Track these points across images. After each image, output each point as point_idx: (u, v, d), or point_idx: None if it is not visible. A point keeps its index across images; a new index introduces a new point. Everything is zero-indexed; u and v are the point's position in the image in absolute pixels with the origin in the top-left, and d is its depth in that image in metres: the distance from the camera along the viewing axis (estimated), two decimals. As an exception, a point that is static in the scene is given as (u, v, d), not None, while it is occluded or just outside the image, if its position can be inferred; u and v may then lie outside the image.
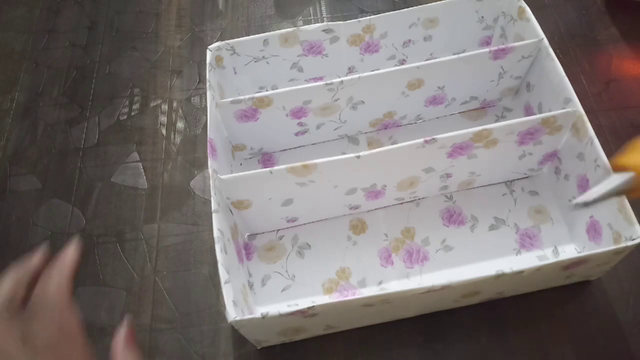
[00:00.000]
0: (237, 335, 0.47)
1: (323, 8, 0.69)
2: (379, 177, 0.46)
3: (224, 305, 0.38)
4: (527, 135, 0.45)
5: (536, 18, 0.50)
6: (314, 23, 0.61)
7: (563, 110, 0.44)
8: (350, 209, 0.50)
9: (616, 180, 0.29)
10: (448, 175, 0.48)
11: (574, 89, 0.45)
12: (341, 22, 0.53)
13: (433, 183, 0.49)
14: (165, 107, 0.62)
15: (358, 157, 0.42)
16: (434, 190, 0.51)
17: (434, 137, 0.42)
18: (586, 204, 0.29)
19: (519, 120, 0.44)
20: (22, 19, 0.71)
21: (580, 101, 0.45)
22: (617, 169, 0.29)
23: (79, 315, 0.26)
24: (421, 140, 0.42)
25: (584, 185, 0.45)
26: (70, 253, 0.27)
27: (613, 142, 0.53)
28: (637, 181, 0.28)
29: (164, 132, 0.60)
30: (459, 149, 0.44)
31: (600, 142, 0.42)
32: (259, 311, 0.38)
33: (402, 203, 0.52)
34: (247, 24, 0.68)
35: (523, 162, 0.49)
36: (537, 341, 0.45)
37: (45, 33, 0.70)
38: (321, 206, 0.49)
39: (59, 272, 0.26)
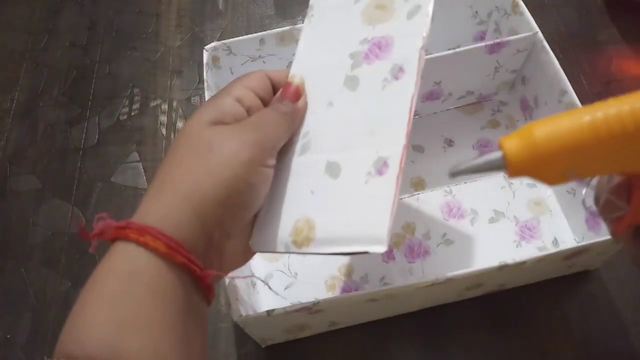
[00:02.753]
0: (238, 335, 0.47)
1: (323, 8, 0.69)
2: None
3: (224, 305, 0.38)
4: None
5: (536, 17, 0.50)
6: (314, 23, 0.61)
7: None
8: None
9: (488, 156, 0.27)
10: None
11: (574, 89, 0.45)
12: None
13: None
14: (165, 107, 0.62)
15: None
16: None
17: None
18: (453, 175, 0.28)
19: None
20: (22, 19, 0.71)
21: (580, 101, 0.45)
22: (499, 146, 0.28)
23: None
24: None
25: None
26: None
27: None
28: (508, 162, 0.26)
29: (164, 132, 0.60)
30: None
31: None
32: (263, 309, 0.38)
33: (402, 199, 0.52)
34: (247, 24, 0.68)
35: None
36: (538, 340, 0.45)
37: (45, 33, 0.70)
38: None
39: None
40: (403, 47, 0.33)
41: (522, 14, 0.51)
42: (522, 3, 0.51)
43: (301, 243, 0.31)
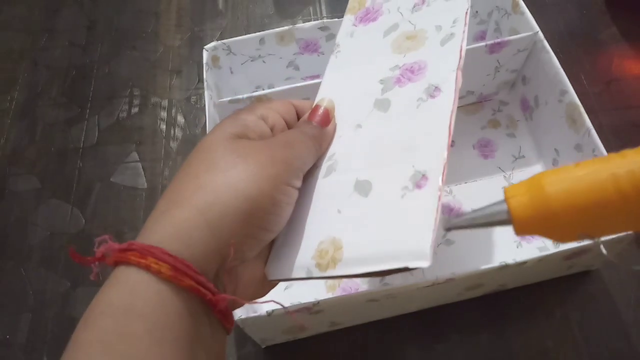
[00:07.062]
0: (237, 335, 0.47)
1: (323, 7, 0.68)
2: None
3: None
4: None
5: (536, 17, 0.50)
6: (314, 22, 0.61)
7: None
8: None
9: (490, 210, 0.25)
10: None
11: (575, 89, 0.45)
12: (337, 19, 0.52)
13: None
14: (164, 106, 0.62)
15: None
16: None
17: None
18: (448, 229, 0.26)
19: None
20: (21, 18, 0.71)
21: (581, 101, 0.44)
22: (504, 198, 0.24)
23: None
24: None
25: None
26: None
27: (614, 142, 0.52)
28: (516, 220, 0.23)
29: (163, 132, 0.60)
30: None
31: (601, 142, 0.42)
32: (263, 309, 0.38)
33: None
34: (247, 23, 0.68)
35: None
36: (538, 341, 0.45)
37: (45, 32, 0.69)
38: None
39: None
40: (438, 70, 0.31)
41: (522, 13, 0.51)
42: (522, 2, 0.51)
43: (326, 265, 0.27)
